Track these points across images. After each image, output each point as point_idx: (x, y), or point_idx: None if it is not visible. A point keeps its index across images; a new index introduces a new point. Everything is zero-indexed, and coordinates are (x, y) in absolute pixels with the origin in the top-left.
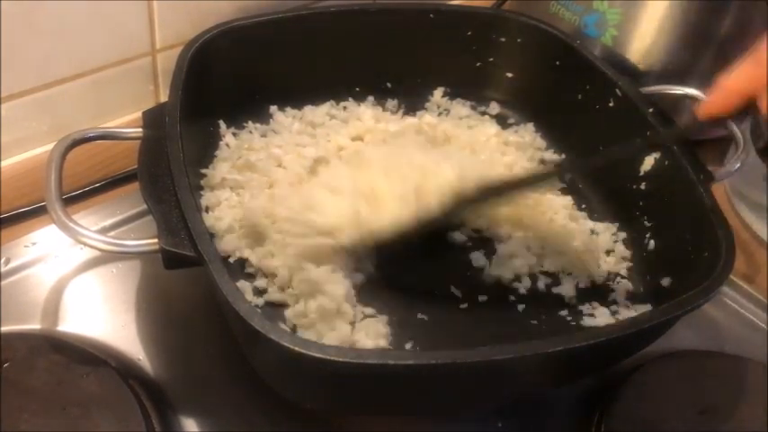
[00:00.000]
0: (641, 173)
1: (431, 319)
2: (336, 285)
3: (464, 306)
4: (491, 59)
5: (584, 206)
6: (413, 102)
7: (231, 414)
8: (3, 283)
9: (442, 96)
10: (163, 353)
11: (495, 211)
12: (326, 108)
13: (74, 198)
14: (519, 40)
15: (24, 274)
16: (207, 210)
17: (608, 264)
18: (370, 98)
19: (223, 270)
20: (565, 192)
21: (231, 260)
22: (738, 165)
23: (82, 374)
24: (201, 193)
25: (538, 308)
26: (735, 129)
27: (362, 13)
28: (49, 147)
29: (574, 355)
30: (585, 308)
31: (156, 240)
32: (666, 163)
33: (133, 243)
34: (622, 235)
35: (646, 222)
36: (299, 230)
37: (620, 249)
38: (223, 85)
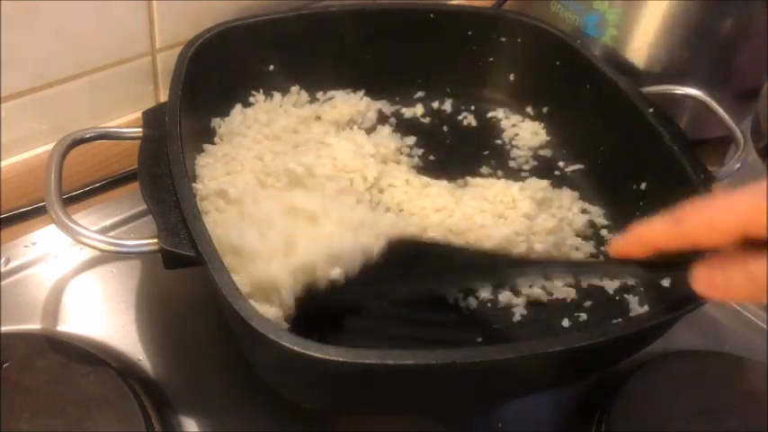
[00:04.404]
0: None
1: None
2: None
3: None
4: (491, 59)
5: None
6: (412, 102)
7: (231, 414)
8: (3, 283)
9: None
10: (163, 353)
11: None
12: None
13: (74, 198)
14: (519, 40)
15: (24, 274)
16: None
17: None
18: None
19: (223, 270)
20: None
21: None
22: (738, 165)
23: (82, 374)
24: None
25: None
26: (735, 129)
27: (362, 13)
28: (49, 147)
29: (574, 355)
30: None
31: (155, 240)
32: (666, 163)
33: (133, 243)
34: None
35: None
36: None
37: None
38: (223, 84)
